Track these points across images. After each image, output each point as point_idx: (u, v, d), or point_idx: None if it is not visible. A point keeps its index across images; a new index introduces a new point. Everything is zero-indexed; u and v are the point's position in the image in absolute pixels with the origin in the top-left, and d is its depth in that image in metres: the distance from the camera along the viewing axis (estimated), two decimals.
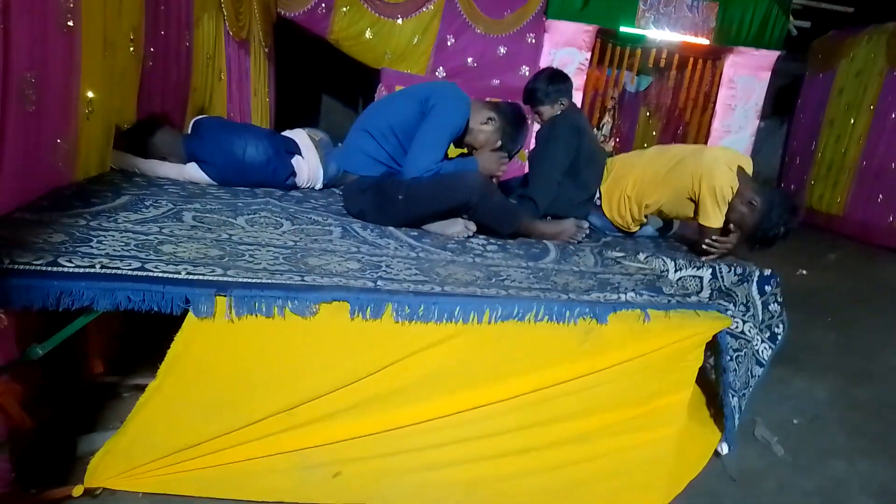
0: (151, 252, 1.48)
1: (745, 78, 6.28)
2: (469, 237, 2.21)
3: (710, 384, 2.15)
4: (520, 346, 1.60)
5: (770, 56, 6.20)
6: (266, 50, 4.88)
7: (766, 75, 6.31)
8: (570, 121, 2.71)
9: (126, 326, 2.21)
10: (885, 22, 6.73)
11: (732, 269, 2.22)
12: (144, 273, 1.34)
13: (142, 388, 1.47)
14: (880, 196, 6.49)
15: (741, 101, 6.35)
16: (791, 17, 6.16)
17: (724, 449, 2.08)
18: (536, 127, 2.87)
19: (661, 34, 6.04)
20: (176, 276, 1.36)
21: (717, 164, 2.37)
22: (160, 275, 1.35)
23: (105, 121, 2.15)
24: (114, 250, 1.43)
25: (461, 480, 1.69)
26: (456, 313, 1.51)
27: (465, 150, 2.47)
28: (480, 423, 1.64)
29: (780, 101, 8.51)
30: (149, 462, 1.53)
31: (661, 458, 1.78)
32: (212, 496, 1.59)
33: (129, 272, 1.33)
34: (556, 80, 2.75)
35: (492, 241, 2.23)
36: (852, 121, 7.01)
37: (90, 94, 1.95)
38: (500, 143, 2.37)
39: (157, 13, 2.63)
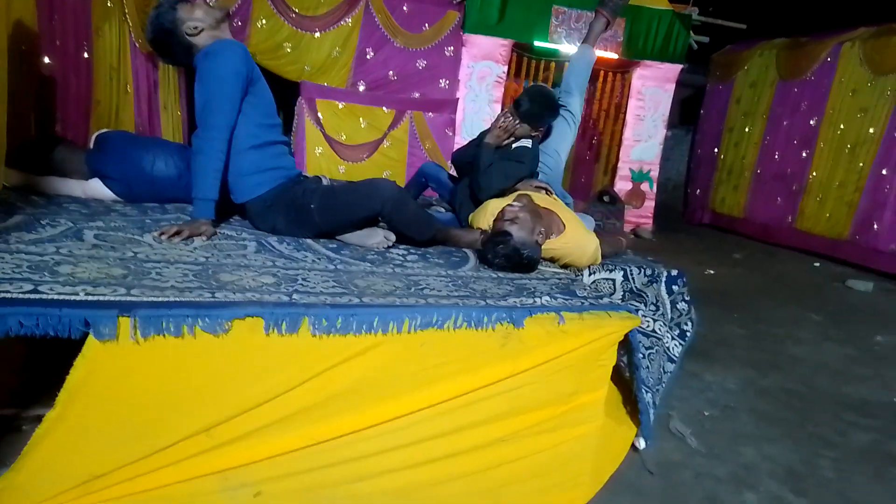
0: (46, 273, 1.39)
1: (653, 89, 6.63)
2: (389, 247, 2.21)
3: (625, 382, 2.23)
4: (441, 353, 1.61)
5: (674, 69, 6.57)
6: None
7: (672, 87, 6.68)
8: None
9: (29, 354, 2.07)
10: (775, 37, 7.29)
11: (642, 270, 2.32)
12: (38, 296, 1.26)
13: (41, 420, 1.37)
14: (778, 198, 6.99)
15: (650, 112, 6.69)
16: (692, 33, 6.56)
17: (641, 443, 2.16)
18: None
19: (572, 48, 6.27)
20: (73, 297, 1.29)
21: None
22: (55, 297, 1.27)
23: None
24: (3, 273, 1.34)
25: (389, 489, 1.67)
26: (375, 324, 1.50)
27: None
28: (405, 431, 1.64)
29: (686, 111, 9.03)
30: (51, 497, 1.43)
31: (583, 454, 1.83)
32: None
33: (20, 295, 1.24)
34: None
35: (412, 250, 2.24)
36: (748, 128, 7.53)
37: None
38: None
39: (51, 23, 2.49)
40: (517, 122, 2.69)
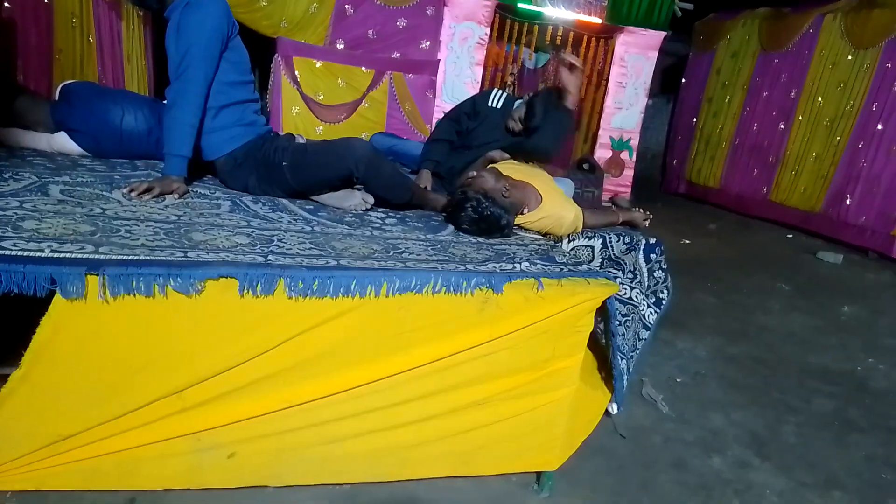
0: (10, 228, 1.33)
1: (635, 56, 6.56)
2: (367, 210, 2.17)
3: (601, 348, 2.25)
4: (419, 317, 1.60)
5: (657, 36, 6.50)
6: (141, 13, 4.51)
7: (654, 54, 6.62)
8: None
9: None
10: (759, 6, 7.24)
11: (621, 238, 2.32)
12: (1, 251, 1.21)
13: (5, 379, 1.33)
14: (755, 170, 7.05)
15: (631, 79, 6.63)
16: (676, 0, 6.48)
17: (614, 409, 2.20)
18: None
19: (556, 11, 6.17)
20: (38, 254, 1.24)
21: None
22: (19, 253, 1.22)
23: None
24: None
25: (362, 451, 1.68)
26: (352, 287, 1.48)
27: None
28: (381, 394, 1.64)
29: (667, 80, 8.98)
30: (17, 458, 1.40)
31: (557, 419, 1.85)
32: (94, 488, 1.50)
33: None
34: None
35: (390, 214, 2.20)
36: (728, 98, 7.53)
37: None
38: None
39: None
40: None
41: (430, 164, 2.76)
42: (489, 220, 2.08)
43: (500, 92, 2.89)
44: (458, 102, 3.07)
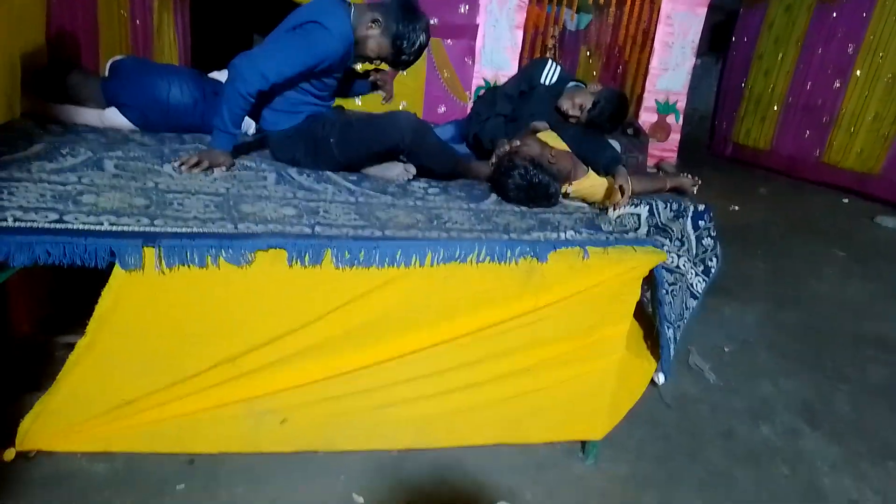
0: (70, 203, 1.38)
1: (682, 14, 6.29)
2: (409, 180, 2.17)
3: (647, 317, 2.23)
4: (463, 286, 1.60)
5: None
6: None
7: (703, 11, 6.33)
8: None
9: (57, 283, 2.10)
10: None
11: (668, 205, 2.27)
12: (63, 225, 1.26)
13: (72, 347, 1.40)
14: (807, 132, 6.75)
15: (678, 38, 6.38)
16: None
17: (661, 378, 2.18)
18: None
19: None
20: (98, 227, 1.28)
21: None
22: (81, 227, 1.27)
23: (9, 63, 1.97)
24: (27, 202, 1.33)
25: (411, 418, 1.72)
26: (397, 257, 1.50)
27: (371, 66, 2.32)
28: (427, 361, 1.66)
29: (717, 38, 8.63)
30: (85, 421, 1.48)
31: (603, 387, 1.85)
32: (156, 451, 1.57)
33: (47, 224, 1.24)
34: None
35: (433, 183, 2.20)
36: (780, 55, 7.18)
37: None
38: (393, 47, 2.08)
39: None
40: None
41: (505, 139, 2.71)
42: (537, 187, 2.04)
43: (554, 66, 2.81)
44: (512, 76, 3.00)
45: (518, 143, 2.26)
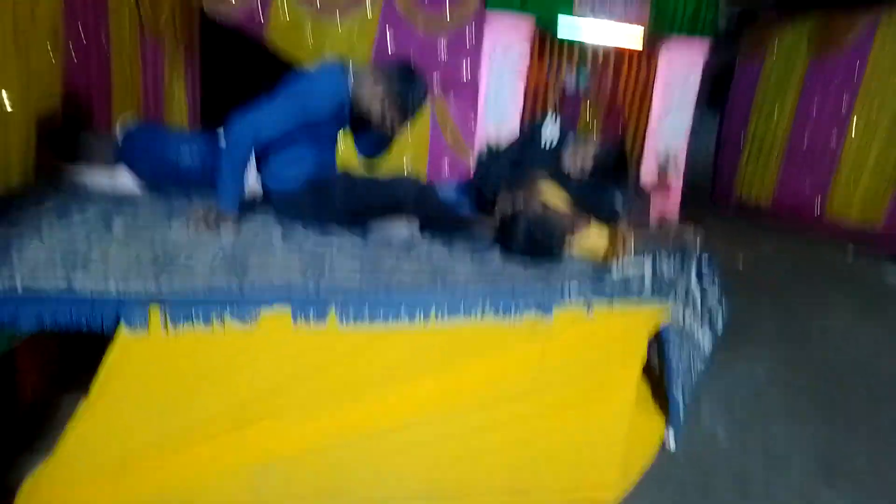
0: (78, 263, 1.40)
1: (680, 70, 6.46)
2: (414, 236, 2.19)
3: (655, 374, 2.20)
4: (467, 340, 1.60)
5: (703, 43, 6.37)
6: (182, 47, 4.71)
7: (699, 66, 6.49)
8: None
9: (65, 338, 2.10)
10: (808, 11, 7.05)
11: (672, 257, 2.27)
12: (70, 290, 1.27)
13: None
14: (809, 181, 6.80)
15: (677, 92, 6.52)
16: (723, 6, 6.37)
17: (672, 442, 2.13)
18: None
19: (598, 24, 6.14)
20: (105, 290, 1.29)
21: None
22: (87, 291, 1.28)
23: (24, 124, 2.03)
24: (36, 263, 1.35)
25: (417, 475, 1.67)
26: (402, 312, 1.50)
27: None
28: (432, 423, 1.64)
29: (715, 89, 8.80)
30: (87, 483, 1.45)
31: (613, 447, 1.80)
32: None
33: (54, 290, 1.26)
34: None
35: (437, 239, 2.22)
36: (778, 106, 7.31)
37: (4, 96, 1.84)
38: (393, 107, 2.11)
39: (73, 7, 2.49)
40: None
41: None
42: (544, 238, 2.06)
43: (555, 120, 2.89)
44: (514, 129, 3.09)
45: (521, 197, 2.29)
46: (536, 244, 2.05)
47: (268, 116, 1.97)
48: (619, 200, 2.87)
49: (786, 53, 7.25)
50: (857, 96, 6.27)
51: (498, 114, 6.13)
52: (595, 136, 2.92)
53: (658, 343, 1.95)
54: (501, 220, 2.20)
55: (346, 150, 2.44)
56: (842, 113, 6.45)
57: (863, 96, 6.21)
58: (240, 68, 6.57)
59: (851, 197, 6.24)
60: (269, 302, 1.38)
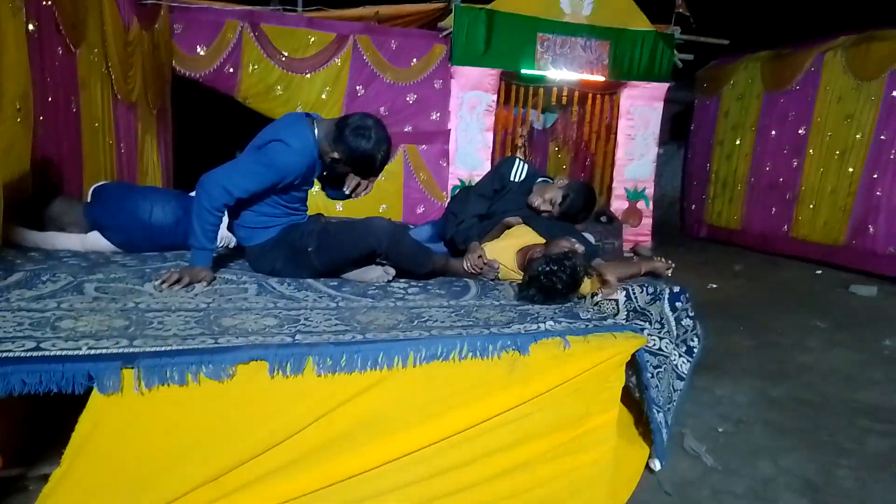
0: (48, 329, 1.39)
1: (641, 108, 6.69)
2: (389, 281, 2.21)
3: (636, 402, 2.21)
4: (448, 384, 1.60)
5: (661, 87, 6.65)
6: (156, 111, 4.77)
7: (660, 105, 6.74)
8: None
9: (34, 410, 2.04)
10: (758, 50, 7.40)
11: (644, 289, 2.31)
12: (40, 353, 1.25)
13: (47, 479, 1.35)
14: (773, 208, 7.01)
15: (640, 130, 6.74)
16: (676, 52, 6.65)
17: (657, 465, 2.13)
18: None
19: (559, 74, 6.36)
20: (76, 352, 1.28)
21: None
22: (58, 353, 1.26)
23: None
24: (5, 332, 1.34)
25: None
26: (379, 359, 1.50)
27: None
28: (417, 465, 1.62)
29: (676, 127, 9.11)
30: None
31: (598, 478, 1.81)
32: None
33: (23, 353, 1.24)
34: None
35: (413, 283, 2.24)
36: (738, 140, 7.59)
37: None
38: (357, 160, 2.12)
39: (43, 79, 2.52)
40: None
41: (476, 240, 2.76)
42: (574, 275, 2.11)
43: (522, 164, 2.96)
44: (484, 176, 3.14)
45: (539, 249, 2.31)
46: (555, 291, 2.10)
47: (240, 178, 2.00)
48: (590, 237, 2.93)
49: (740, 90, 7.58)
50: (810, 126, 6.54)
51: (469, 159, 6.27)
52: (564, 177, 2.99)
53: (635, 368, 1.97)
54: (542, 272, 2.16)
55: (318, 190, 2.46)
56: (798, 142, 6.72)
57: (816, 125, 6.49)
58: (213, 126, 6.65)
59: (814, 220, 6.45)
60: (244, 358, 1.38)
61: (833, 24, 6.50)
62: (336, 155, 2.10)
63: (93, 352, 1.30)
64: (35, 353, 1.25)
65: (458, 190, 5.55)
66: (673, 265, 2.64)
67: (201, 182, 1.97)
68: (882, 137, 5.76)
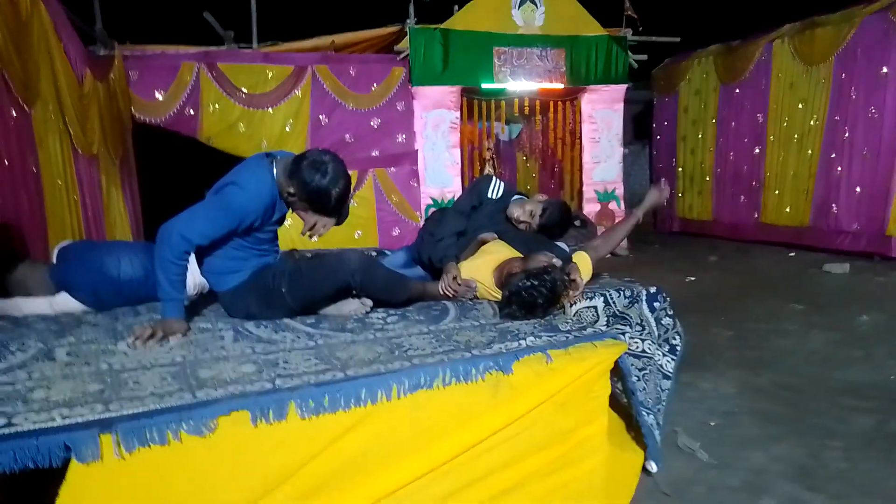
0: (20, 403, 1.35)
1: (602, 111, 6.81)
2: (367, 313, 2.20)
3: (625, 408, 2.22)
4: (434, 412, 1.59)
5: (620, 89, 6.77)
6: (118, 161, 4.72)
7: (620, 106, 6.87)
8: None
9: (10, 484, 1.98)
10: (709, 45, 7.58)
11: (621, 292, 2.34)
12: (12, 429, 1.22)
13: None
14: (742, 197, 7.15)
15: (603, 133, 6.85)
16: (630, 53, 6.79)
17: (653, 466, 2.14)
18: None
19: (519, 85, 6.44)
20: (50, 423, 1.25)
21: None
22: (31, 426, 1.23)
23: None
24: None
25: None
26: (363, 396, 1.49)
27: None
28: (412, 497, 1.60)
29: (639, 126, 9.27)
30: None
31: (594, 488, 1.81)
32: None
33: None
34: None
35: (391, 312, 2.23)
36: (700, 134, 7.75)
37: None
38: (313, 197, 2.07)
39: None
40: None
41: (454, 259, 2.75)
42: (554, 289, 2.12)
43: (498, 182, 2.99)
44: (463, 192, 3.19)
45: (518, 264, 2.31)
46: (535, 306, 2.10)
47: (197, 224, 1.96)
48: (564, 246, 2.95)
49: (697, 85, 7.75)
50: (767, 113, 6.70)
51: (438, 177, 6.31)
52: (538, 194, 3.05)
53: (620, 374, 1.98)
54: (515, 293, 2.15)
55: (291, 224, 2.42)
56: (757, 131, 6.88)
57: (772, 112, 6.65)
58: (181, 170, 6.59)
59: (780, 205, 6.59)
60: (224, 410, 1.35)
61: (778, 13, 6.70)
62: (291, 190, 2.06)
63: (67, 421, 1.27)
64: (6, 431, 1.22)
65: (432, 209, 5.58)
66: (667, 185, 2.69)
67: (160, 232, 1.94)
68: (836, 118, 5.92)
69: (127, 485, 1.33)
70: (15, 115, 2.83)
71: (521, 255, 2.43)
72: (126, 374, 1.55)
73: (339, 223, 2.22)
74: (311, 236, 2.15)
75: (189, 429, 1.32)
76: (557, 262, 2.26)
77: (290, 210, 2.20)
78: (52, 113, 3.34)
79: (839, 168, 5.89)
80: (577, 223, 6.47)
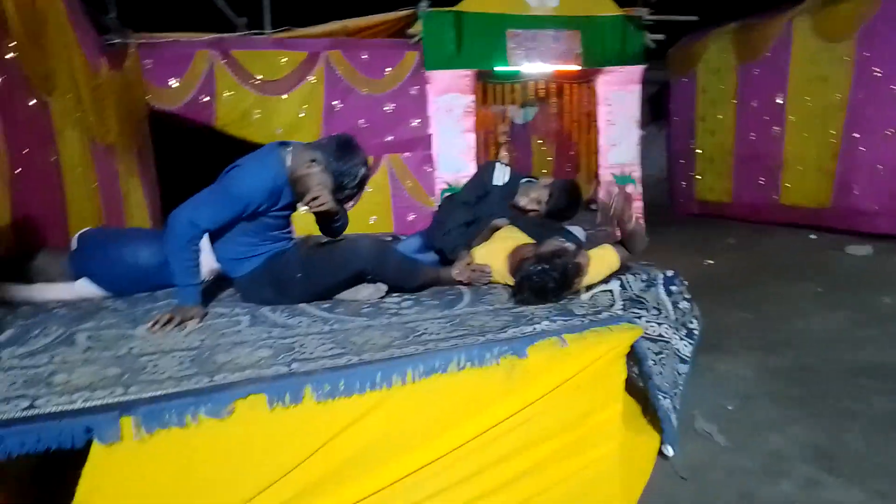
0: (42, 386, 1.38)
1: (618, 93, 6.70)
2: (382, 297, 2.20)
3: (641, 392, 2.21)
4: (449, 397, 1.60)
5: (636, 70, 6.65)
6: (135, 150, 4.76)
7: (636, 88, 6.75)
8: None
9: (40, 468, 2.03)
10: (727, 23, 7.43)
11: (638, 276, 2.32)
12: (35, 412, 1.25)
13: None
14: (761, 178, 7.04)
15: (619, 115, 6.75)
16: (646, 33, 6.67)
17: (669, 451, 2.13)
18: None
19: (533, 67, 6.36)
20: (72, 406, 1.28)
21: None
22: (53, 409, 1.26)
23: None
24: None
25: None
26: (378, 380, 1.50)
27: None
28: (427, 481, 1.61)
29: (656, 107, 9.13)
30: None
31: (610, 474, 1.81)
32: None
33: (17, 414, 1.23)
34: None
35: (406, 297, 2.23)
36: (720, 115, 7.62)
37: None
38: (334, 183, 2.12)
39: (15, 131, 2.52)
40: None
41: (464, 248, 2.74)
42: (565, 273, 2.09)
43: (503, 167, 2.96)
44: (467, 182, 3.13)
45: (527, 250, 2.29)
46: (547, 291, 2.08)
47: (204, 208, 1.98)
48: (580, 232, 2.93)
49: (714, 65, 7.60)
50: (787, 92, 6.57)
51: (453, 162, 6.26)
52: (545, 176, 3.00)
53: (636, 358, 1.97)
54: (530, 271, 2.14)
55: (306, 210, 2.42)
56: (777, 110, 6.74)
57: (793, 91, 6.51)
58: (194, 158, 6.64)
59: (800, 185, 6.48)
60: (241, 393, 1.37)
61: None
62: (312, 177, 2.08)
63: (89, 404, 1.29)
64: (30, 413, 1.25)
65: (446, 193, 5.56)
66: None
67: (169, 220, 1.97)
68: (858, 96, 5.78)
69: (146, 466, 1.35)
70: (34, 105, 2.86)
71: (534, 242, 2.42)
72: (145, 358, 1.58)
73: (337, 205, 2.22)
74: (310, 209, 2.15)
75: (207, 412, 1.34)
76: (570, 246, 2.24)
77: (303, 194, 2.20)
78: (70, 103, 3.37)
79: (861, 148, 5.77)
80: (593, 207, 6.43)
